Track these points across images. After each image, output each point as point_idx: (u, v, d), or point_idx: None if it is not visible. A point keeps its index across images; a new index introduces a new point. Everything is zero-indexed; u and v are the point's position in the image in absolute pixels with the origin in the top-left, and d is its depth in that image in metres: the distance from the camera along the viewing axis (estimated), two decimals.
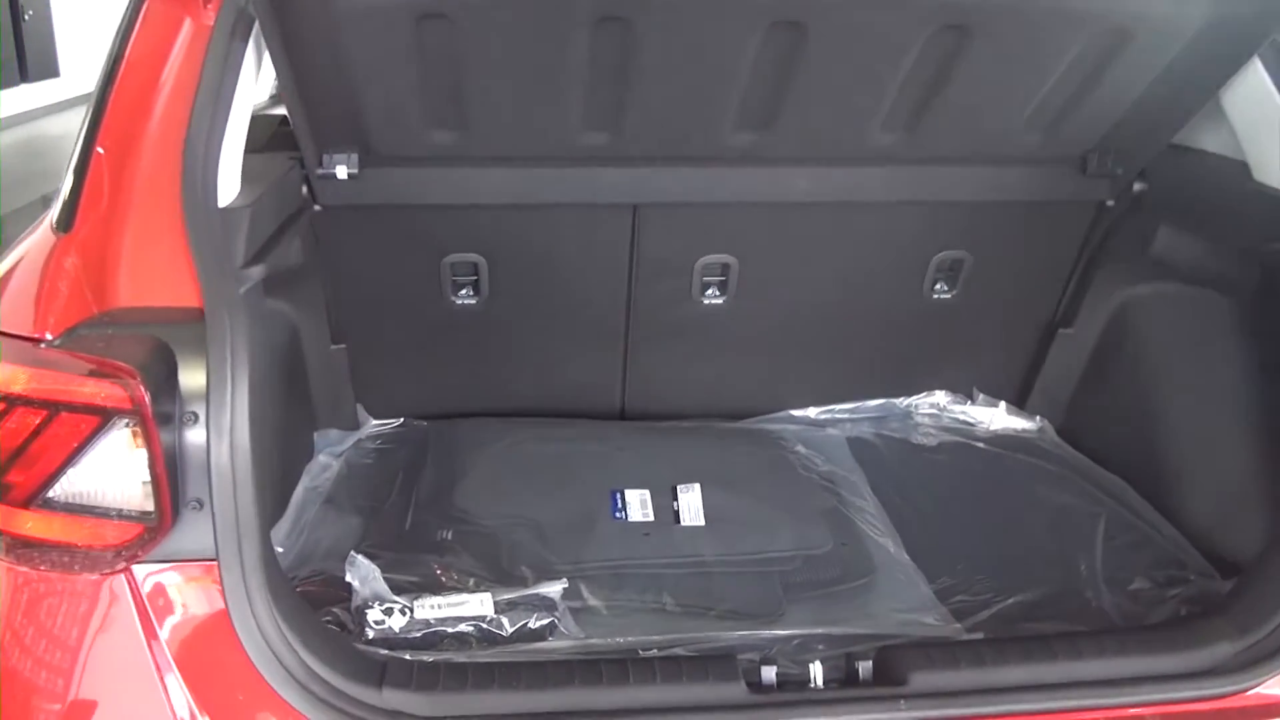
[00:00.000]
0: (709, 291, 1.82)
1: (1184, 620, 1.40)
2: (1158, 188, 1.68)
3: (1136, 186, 1.69)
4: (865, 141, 1.58)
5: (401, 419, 1.92)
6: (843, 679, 1.20)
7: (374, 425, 1.90)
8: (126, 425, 1.02)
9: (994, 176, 1.71)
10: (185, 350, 1.06)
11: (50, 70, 3.82)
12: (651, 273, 1.78)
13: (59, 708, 1.08)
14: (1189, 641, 1.24)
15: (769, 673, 1.18)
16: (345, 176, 1.53)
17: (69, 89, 3.72)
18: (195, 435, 1.04)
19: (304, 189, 1.55)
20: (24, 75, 3.69)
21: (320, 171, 1.53)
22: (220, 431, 1.03)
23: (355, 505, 1.63)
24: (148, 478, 1.04)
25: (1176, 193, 1.65)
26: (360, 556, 1.34)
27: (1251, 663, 1.20)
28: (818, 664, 1.19)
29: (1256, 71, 1.43)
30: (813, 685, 1.18)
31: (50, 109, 3.67)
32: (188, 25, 1.25)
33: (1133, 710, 1.17)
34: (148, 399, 1.00)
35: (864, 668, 1.19)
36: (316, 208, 1.59)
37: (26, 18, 3.71)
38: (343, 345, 1.79)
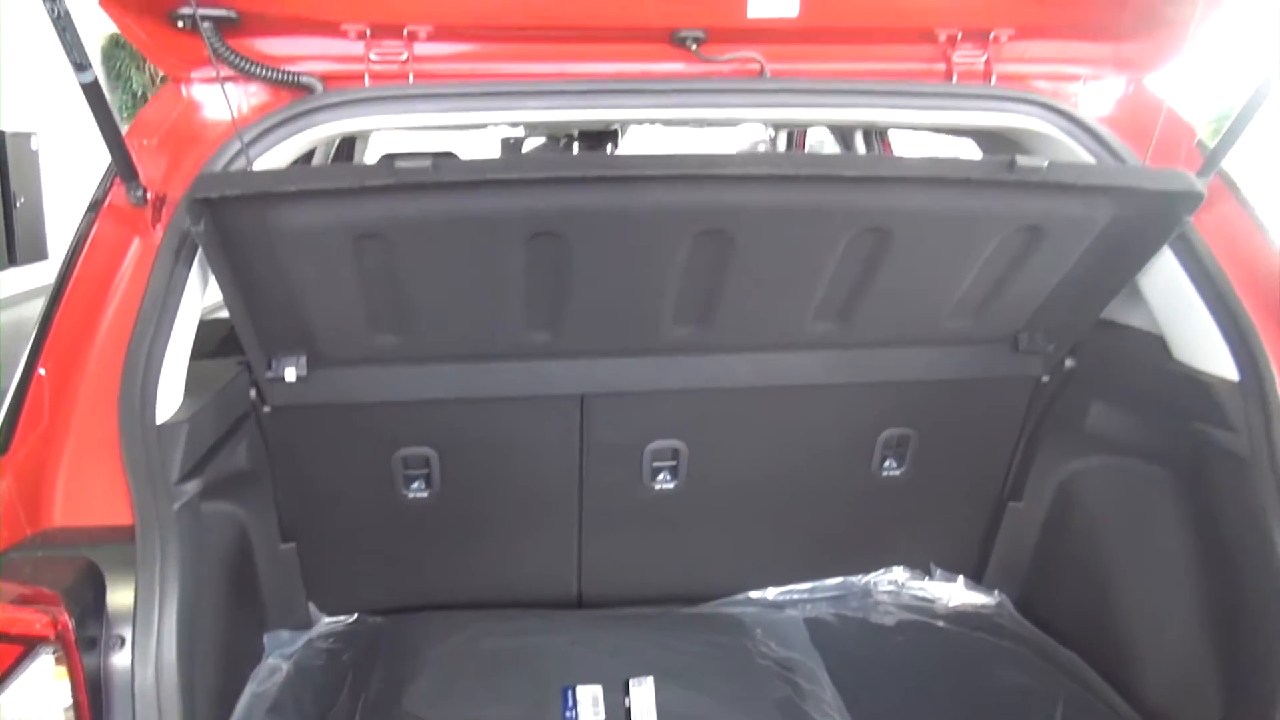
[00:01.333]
0: (660, 476, 1.83)
1: None
2: (1087, 364, 1.73)
3: (1068, 363, 1.74)
4: (801, 329, 1.63)
5: (355, 615, 1.89)
6: None
7: (326, 623, 1.87)
8: (50, 653, 1.01)
9: (930, 357, 1.75)
10: (115, 571, 1.06)
11: (39, 253, 3.93)
12: (601, 460, 1.79)
13: None
14: None
15: None
16: (294, 379, 1.55)
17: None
18: (121, 660, 1.03)
19: (252, 392, 1.57)
20: (12, 259, 3.79)
21: (269, 375, 1.55)
22: (145, 657, 1.03)
23: (301, 713, 1.58)
24: (70, 705, 1.02)
25: (1105, 369, 1.70)
26: None
27: None
28: None
29: (1168, 257, 1.50)
30: None
31: (38, 291, 3.77)
32: (135, 245, 1.30)
33: None
34: (71, 625, 0.99)
35: None
36: (266, 409, 1.61)
37: (18, 205, 3.83)
38: (292, 544, 1.77)
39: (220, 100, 1.37)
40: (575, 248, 1.37)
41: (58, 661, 1.01)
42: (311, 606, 1.87)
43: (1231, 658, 1.43)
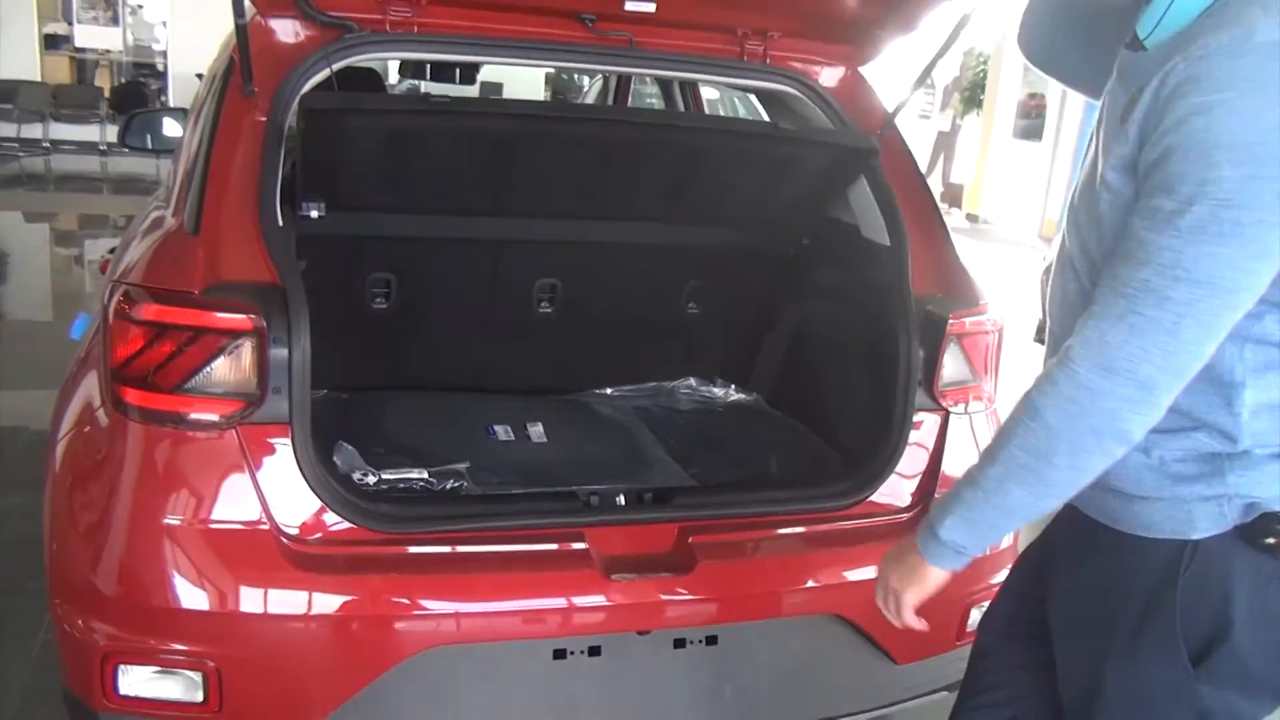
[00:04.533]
0: (542, 304, 2.75)
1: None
2: (816, 242, 2.76)
3: (804, 241, 2.77)
4: (642, 208, 2.57)
5: (325, 390, 2.71)
6: (636, 502, 2.13)
7: None
8: (250, 341, 1.83)
9: (722, 233, 2.74)
10: (271, 301, 1.87)
11: None
12: (505, 288, 2.69)
13: (190, 514, 1.84)
14: (821, 483, 2.25)
15: (594, 499, 2.09)
16: (315, 216, 2.35)
17: None
18: (280, 350, 1.85)
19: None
20: None
21: (300, 213, 2.35)
22: (296, 348, 1.85)
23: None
24: (254, 372, 1.84)
25: (827, 244, 2.73)
26: (345, 443, 2.17)
27: (853, 490, 2.22)
28: (621, 496, 2.12)
29: (862, 180, 2.49)
30: (618, 504, 2.10)
31: None
32: (247, 122, 2.08)
33: (792, 515, 2.16)
34: (266, 326, 1.82)
35: (647, 496, 2.13)
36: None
37: None
38: None
39: (289, 30, 2.16)
40: (517, 152, 2.25)
41: (252, 347, 1.84)
42: None
43: (880, 410, 2.45)
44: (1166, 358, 1.14)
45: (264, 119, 2.04)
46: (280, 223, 1.97)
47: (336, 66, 2.12)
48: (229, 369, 1.84)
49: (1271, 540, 1.22)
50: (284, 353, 1.83)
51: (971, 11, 2.29)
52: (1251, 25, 1.12)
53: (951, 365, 2.26)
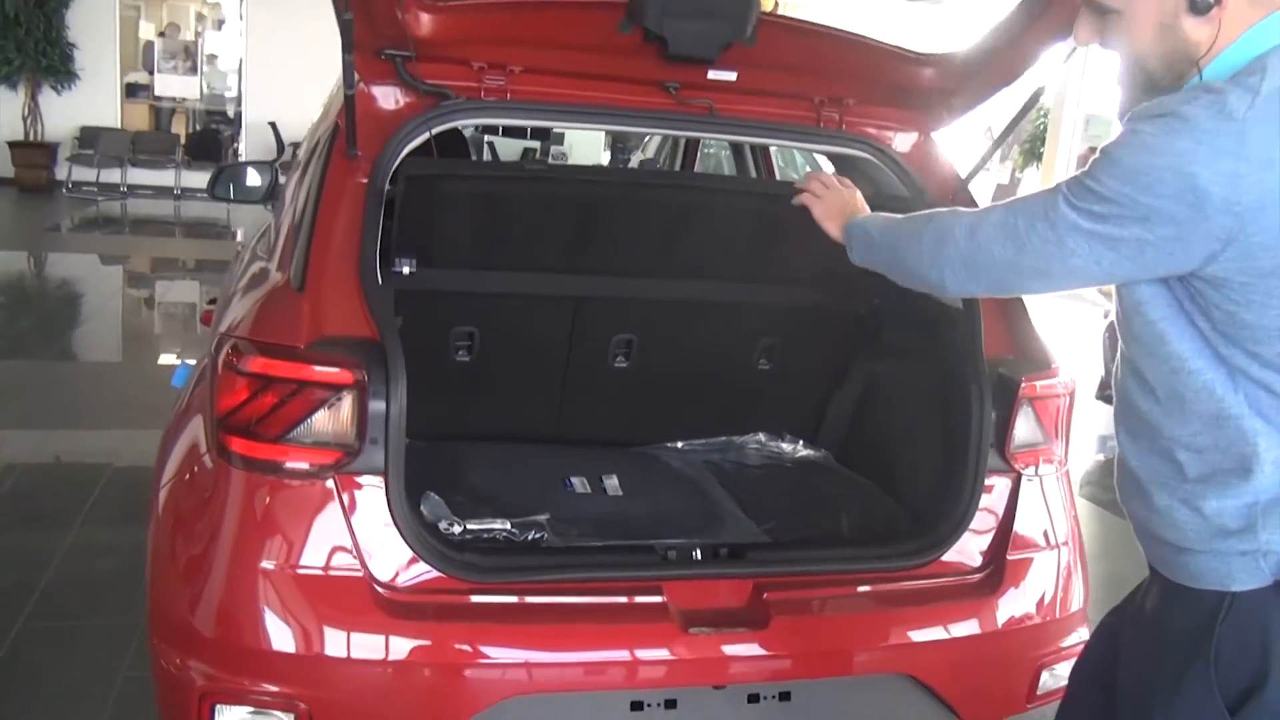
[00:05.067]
0: (618, 358, 2.82)
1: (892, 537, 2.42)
2: (887, 301, 2.81)
3: (875, 300, 2.82)
4: (718, 267, 2.65)
5: (408, 440, 2.80)
6: (712, 557, 2.18)
7: None
8: (350, 394, 1.92)
9: (795, 291, 2.80)
10: (371, 358, 1.96)
11: None
12: (583, 343, 2.77)
13: (287, 559, 1.92)
14: (892, 542, 2.28)
15: (671, 554, 2.15)
16: (407, 272, 2.45)
17: None
18: (378, 403, 1.94)
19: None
20: None
21: (393, 269, 2.45)
22: (394, 402, 1.94)
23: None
24: (353, 424, 1.93)
25: (896, 305, 2.77)
26: (432, 493, 2.25)
27: (925, 549, 2.25)
28: (698, 550, 2.17)
29: None
30: (694, 558, 2.15)
31: None
32: (351, 184, 2.18)
33: (865, 574, 2.20)
34: (367, 380, 1.91)
35: (722, 552, 2.18)
36: None
37: None
38: None
39: (390, 97, 2.28)
40: (598, 214, 2.35)
41: (353, 400, 1.93)
42: None
43: (952, 471, 2.48)
44: (997, 266, 1.49)
45: (365, 181, 2.15)
46: (379, 281, 2.07)
47: (434, 131, 2.23)
48: (330, 420, 1.93)
49: None
50: (381, 405, 1.92)
51: (1044, 87, 2.35)
52: None
53: (1023, 428, 2.30)
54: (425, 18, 2.14)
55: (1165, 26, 1.34)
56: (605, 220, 2.40)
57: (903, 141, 2.60)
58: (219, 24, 16.44)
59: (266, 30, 12.36)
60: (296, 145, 3.71)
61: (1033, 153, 13.79)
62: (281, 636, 1.90)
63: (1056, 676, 2.27)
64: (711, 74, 2.36)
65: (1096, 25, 1.42)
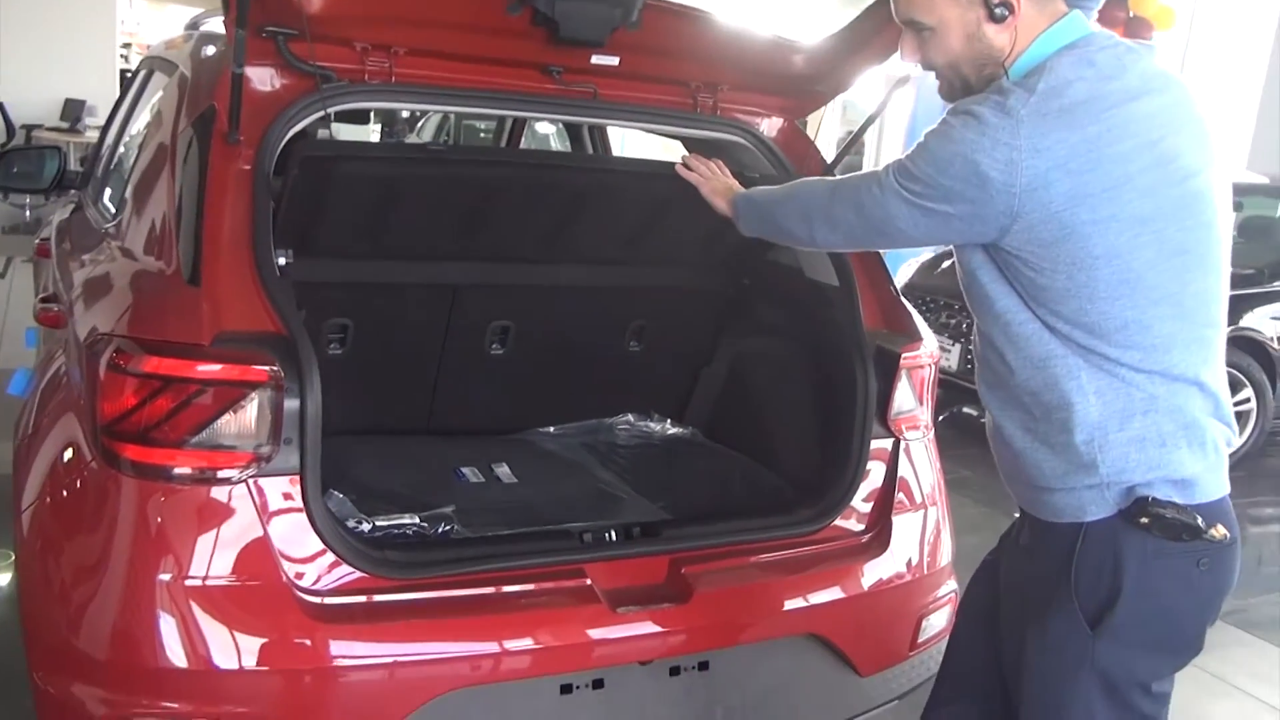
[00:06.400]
0: (494, 345, 2.79)
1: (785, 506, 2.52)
2: (756, 283, 2.91)
3: (745, 281, 2.92)
4: (589, 252, 2.67)
5: None
6: (626, 537, 2.20)
7: None
8: (263, 393, 1.81)
9: (664, 273, 2.86)
10: (281, 354, 1.86)
11: None
12: (460, 331, 2.72)
13: (198, 568, 1.79)
14: (789, 510, 2.39)
15: (587, 537, 2.16)
16: (283, 263, 2.33)
17: None
18: (293, 401, 1.84)
19: None
20: None
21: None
22: (309, 399, 1.84)
23: None
24: (267, 424, 1.82)
25: (766, 284, 2.89)
26: (335, 491, 2.15)
27: (821, 514, 2.36)
28: (611, 532, 2.19)
29: None
30: (609, 539, 2.18)
31: None
32: (235, 169, 2.05)
33: (769, 541, 2.28)
34: (283, 378, 1.80)
35: (635, 531, 2.21)
36: None
37: None
38: None
39: (266, 79, 2.15)
40: (490, 198, 2.32)
41: (266, 400, 1.81)
42: None
43: (837, 439, 2.58)
44: (849, 224, 1.73)
45: (249, 167, 2.03)
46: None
47: (330, 110, 2.13)
48: (241, 421, 1.82)
49: (1146, 520, 1.50)
50: (296, 403, 1.83)
51: (906, 77, 2.50)
52: None
53: (901, 396, 2.45)
54: None
55: (972, 35, 1.58)
56: (496, 203, 2.37)
57: (770, 126, 2.70)
58: None
59: None
60: (30, 128, 3.41)
61: None
62: (194, 652, 1.78)
63: (932, 625, 2.45)
64: (595, 59, 2.37)
65: (916, 42, 1.64)
